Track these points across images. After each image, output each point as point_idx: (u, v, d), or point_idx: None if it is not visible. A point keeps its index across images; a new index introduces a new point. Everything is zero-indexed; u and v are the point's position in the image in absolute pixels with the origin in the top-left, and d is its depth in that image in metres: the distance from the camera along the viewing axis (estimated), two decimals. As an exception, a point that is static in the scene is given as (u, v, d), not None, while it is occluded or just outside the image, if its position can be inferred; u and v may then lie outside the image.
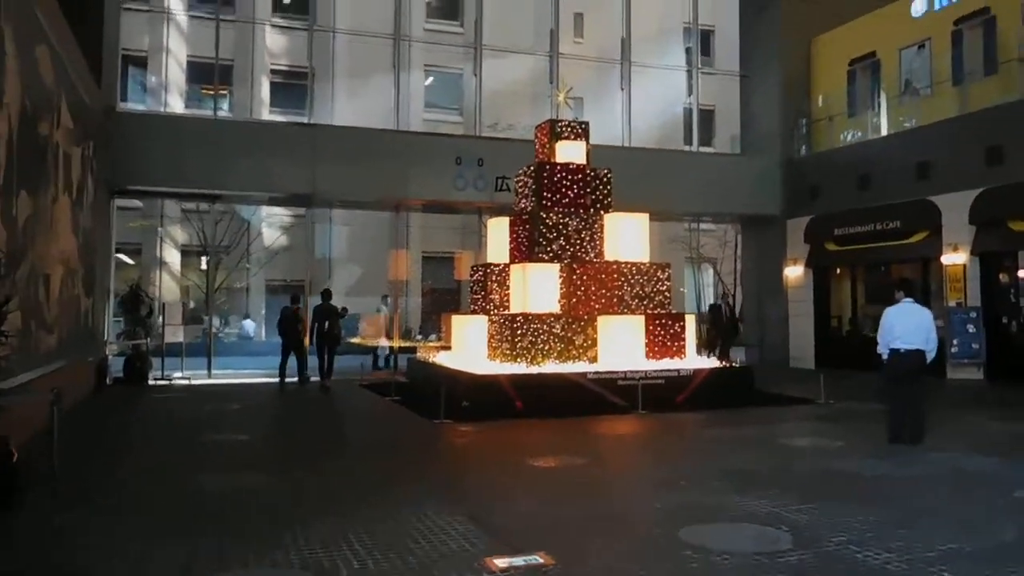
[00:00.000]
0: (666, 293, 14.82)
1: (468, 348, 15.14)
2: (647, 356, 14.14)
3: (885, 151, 19.26)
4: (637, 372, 13.29)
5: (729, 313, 21.49)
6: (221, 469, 8.11)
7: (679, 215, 22.62)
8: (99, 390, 15.34)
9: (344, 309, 18.60)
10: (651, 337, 14.26)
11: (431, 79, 34.17)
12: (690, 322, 14.84)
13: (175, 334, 17.51)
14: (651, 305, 14.63)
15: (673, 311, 15.07)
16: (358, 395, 15.40)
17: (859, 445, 9.46)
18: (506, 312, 14.52)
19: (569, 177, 15.03)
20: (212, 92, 25.20)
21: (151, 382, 16.95)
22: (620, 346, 14.03)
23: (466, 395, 12.93)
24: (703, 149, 24.97)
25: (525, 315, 13.73)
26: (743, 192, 21.38)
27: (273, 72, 33.86)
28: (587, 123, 15.86)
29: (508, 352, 13.61)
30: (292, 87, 33.23)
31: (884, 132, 20.08)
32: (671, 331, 14.42)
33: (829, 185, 20.38)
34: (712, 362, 14.63)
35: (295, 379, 16.76)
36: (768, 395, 14.29)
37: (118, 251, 34.77)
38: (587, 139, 15.65)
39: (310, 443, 10.07)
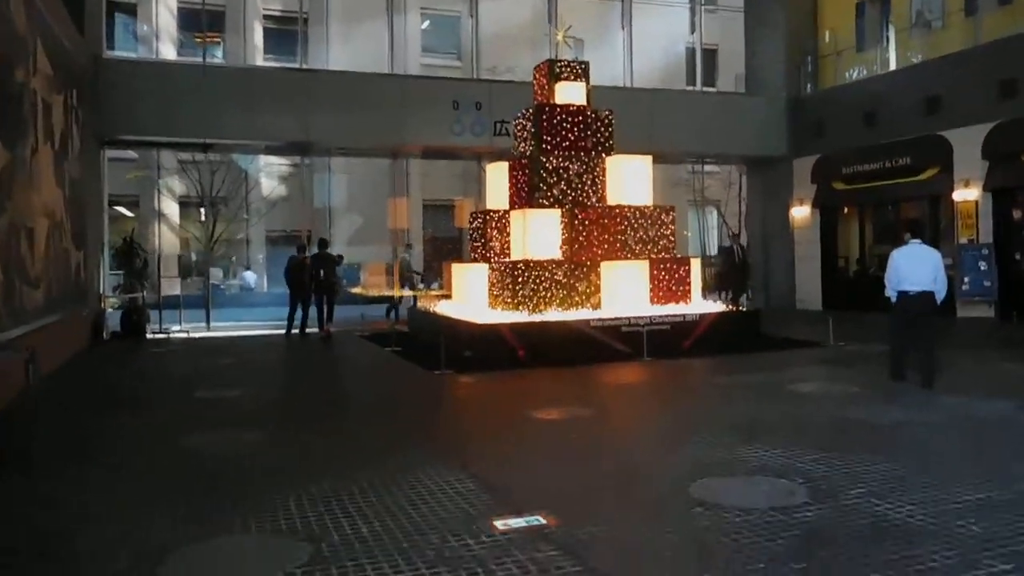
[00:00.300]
0: (670, 237, 14.47)
1: (469, 297, 14.85)
2: (652, 301, 13.84)
3: (894, 86, 18.73)
4: (642, 318, 13.00)
5: (741, 255, 20.88)
6: (213, 428, 7.84)
7: (683, 157, 22.11)
8: (95, 345, 15.12)
9: (340, 257, 18.24)
10: (656, 282, 13.94)
11: (427, 23, 33.48)
12: (695, 266, 14.50)
13: (171, 286, 17.23)
14: (655, 249, 14.28)
15: (678, 255, 14.73)
16: (358, 346, 15.16)
17: (871, 390, 9.19)
18: (507, 259, 14.18)
19: (569, 119, 14.56)
20: (202, 40, 24.64)
21: (148, 336, 16.72)
22: (624, 292, 13.72)
23: (467, 345, 12.68)
24: (706, 89, 24.38)
25: (526, 262, 13.40)
26: (748, 132, 20.88)
27: (266, 18, 33.18)
28: (587, 63, 15.33)
29: (509, 300, 13.31)
30: (286, 33, 32.67)
31: (893, 67, 19.52)
32: (676, 275, 14.09)
33: (836, 123, 19.88)
34: (718, 306, 14.32)
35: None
36: (776, 339, 14.02)
37: (115, 203, 34.52)
38: (587, 80, 15.15)
39: (307, 398, 9.82)
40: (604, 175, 14.51)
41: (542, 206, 14.04)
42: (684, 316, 13.38)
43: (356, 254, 32.16)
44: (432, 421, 8.21)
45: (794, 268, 21.01)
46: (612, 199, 14.45)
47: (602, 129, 14.83)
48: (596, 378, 10.84)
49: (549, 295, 13.34)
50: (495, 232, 14.73)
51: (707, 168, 31.83)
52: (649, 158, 14.92)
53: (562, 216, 13.92)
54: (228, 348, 15.01)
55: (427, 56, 32.62)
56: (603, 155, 14.67)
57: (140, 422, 8.20)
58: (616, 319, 12.94)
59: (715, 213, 36.28)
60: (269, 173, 33.72)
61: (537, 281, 13.29)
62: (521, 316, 12.96)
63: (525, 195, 14.37)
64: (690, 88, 23.74)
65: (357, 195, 32.87)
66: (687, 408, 8.48)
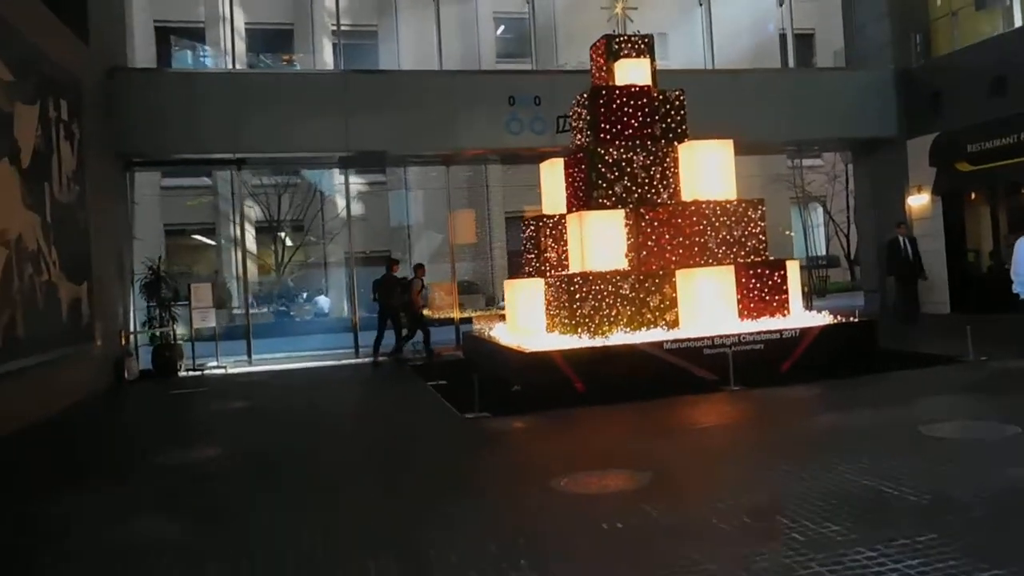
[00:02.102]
0: (761, 236, 12.01)
1: (525, 318, 12.69)
2: (740, 316, 11.42)
3: (1028, 45, 15.71)
4: (728, 337, 10.62)
5: (910, 249, 16.25)
6: (145, 509, 5.94)
7: (777, 144, 19.39)
8: (112, 389, 13.60)
9: (400, 278, 16.01)
10: (744, 292, 11.52)
11: (503, 27, 32.06)
12: (793, 269, 11.98)
13: (204, 318, 15.61)
14: (743, 252, 11.87)
15: (771, 257, 12.22)
16: (400, 379, 13.20)
17: (1044, 432, 6.65)
18: (563, 272, 12.00)
19: (631, 103, 12.28)
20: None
21: (182, 373, 15.16)
22: (706, 305, 11.35)
23: (516, 377, 10.58)
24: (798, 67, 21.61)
25: (584, 275, 11.19)
26: (852, 112, 18.03)
27: (335, 33, 32.28)
28: (651, 36, 13.01)
29: (567, 321, 11.12)
30: (357, 47, 31.77)
31: (1021, 23, 16.47)
32: (770, 283, 11.63)
33: (957, 94, 16.91)
34: (823, 318, 11.75)
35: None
36: (899, 354, 11.43)
37: (194, 233, 34.00)
38: (652, 56, 12.84)
39: (284, 464, 7.56)
40: (676, 166, 12.18)
41: (603, 207, 11.80)
42: (781, 332, 10.93)
43: (433, 273, 30.59)
44: (416, 503, 5.87)
45: (914, 267, 18.00)
46: (687, 194, 12.12)
47: (672, 112, 12.51)
48: (665, 419, 8.53)
49: (614, 313, 11.10)
50: (550, 241, 12.58)
51: (809, 162, 28.98)
52: (730, 142, 12.45)
53: (626, 217, 11.65)
54: (258, 386, 13.34)
55: (503, 63, 31.13)
56: (675, 143, 12.34)
57: (58, 511, 6.33)
58: (696, 339, 10.61)
59: (820, 210, 33.35)
60: (344, 193, 32.63)
61: (599, 297, 11.07)
62: (582, 340, 10.77)
63: (583, 195, 12.16)
64: (779, 67, 20.89)
65: (436, 211, 31.55)
66: (779, 470, 6.08)
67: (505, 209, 33.43)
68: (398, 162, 19.93)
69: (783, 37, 21.46)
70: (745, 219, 11.91)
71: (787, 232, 28.14)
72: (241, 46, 30.55)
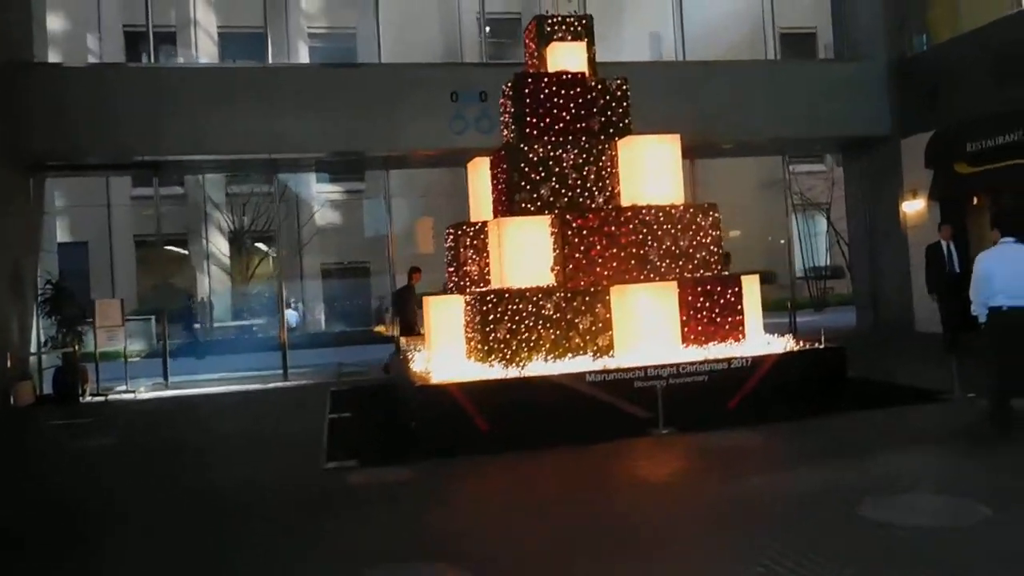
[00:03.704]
0: (712, 247, 10.24)
1: (445, 342, 10.98)
2: (685, 341, 9.68)
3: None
4: (663, 367, 8.90)
5: (957, 257, 12.81)
6: None
7: (758, 143, 17.59)
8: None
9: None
10: (690, 312, 9.77)
11: (488, 28, 30.57)
12: (751, 286, 10.22)
13: (112, 338, 14.07)
14: (690, 266, 10.12)
15: (725, 272, 10.45)
16: (307, 408, 11.50)
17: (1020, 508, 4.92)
18: (478, 289, 10.32)
19: (563, 92, 10.57)
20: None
21: (85, 399, 13.63)
22: (645, 329, 9.61)
23: (412, 413, 8.94)
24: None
25: (499, 292, 9.50)
26: (840, 108, 16.22)
27: (311, 36, 30.98)
28: (589, 17, 11.31)
29: (480, 347, 9.45)
30: (335, 50, 30.32)
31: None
32: (721, 301, 9.87)
33: (956, 85, 15.08)
34: (783, 343, 9.98)
35: None
36: (871, 386, 9.75)
37: (167, 243, 32.63)
38: (591, 39, 11.14)
39: (68, 529, 6.08)
40: (615, 166, 10.47)
41: (525, 212, 10.12)
42: (729, 361, 9.18)
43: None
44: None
45: (909, 280, 16.11)
46: (626, 199, 10.39)
47: (613, 104, 10.81)
48: (552, 477, 6.84)
49: (534, 338, 9.41)
50: (471, 252, 10.87)
51: (810, 167, 27.25)
52: (676, 138, 10.63)
53: (552, 225, 9.96)
54: (151, 416, 11.92)
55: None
56: (615, 139, 10.63)
57: None
58: (625, 370, 8.89)
59: (820, 217, 31.55)
60: (320, 201, 31.35)
61: (516, 319, 9.38)
62: (493, 370, 9.10)
63: (505, 199, 10.48)
64: (755, 59, 19.00)
65: (421, 220, 30.20)
66: (661, 570, 4.37)
67: (493, 218, 31.79)
68: (326, 167, 18.28)
69: (783, 35, 19.82)
70: (694, 227, 10.16)
71: (780, 242, 26.35)
72: (213, 49, 29.31)
